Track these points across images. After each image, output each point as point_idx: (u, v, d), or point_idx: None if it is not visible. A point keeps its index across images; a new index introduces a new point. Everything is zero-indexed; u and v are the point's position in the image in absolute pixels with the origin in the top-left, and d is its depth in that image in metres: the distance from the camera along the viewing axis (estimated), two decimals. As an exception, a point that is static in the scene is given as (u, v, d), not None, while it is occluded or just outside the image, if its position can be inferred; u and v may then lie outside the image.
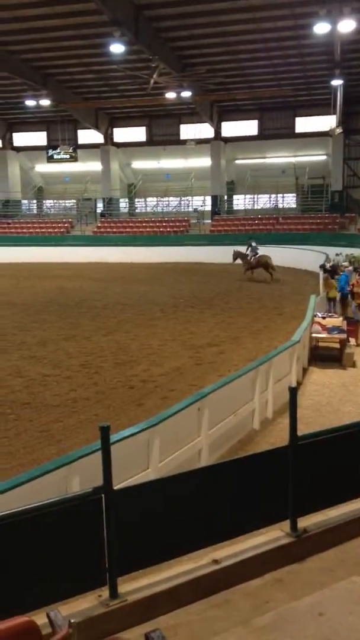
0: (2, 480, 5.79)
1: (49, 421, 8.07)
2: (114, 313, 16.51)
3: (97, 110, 35.47)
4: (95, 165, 38.06)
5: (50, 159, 38.21)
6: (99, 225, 37.23)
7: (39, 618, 2.50)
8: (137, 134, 37.77)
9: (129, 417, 7.93)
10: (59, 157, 37.77)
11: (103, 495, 3.04)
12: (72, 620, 2.21)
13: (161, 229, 35.77)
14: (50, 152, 37.87)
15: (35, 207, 42.68)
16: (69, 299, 19.39)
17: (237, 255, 25.16)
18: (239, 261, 25.08)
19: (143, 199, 41.07)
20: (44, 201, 42.58)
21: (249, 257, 24.68)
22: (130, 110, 35.95)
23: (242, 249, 25.40)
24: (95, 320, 15.43)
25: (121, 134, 37.86)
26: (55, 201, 42.31)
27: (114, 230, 36.35)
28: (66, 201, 41.73)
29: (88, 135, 37.43)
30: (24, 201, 41.73)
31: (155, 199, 40.33)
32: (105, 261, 31.58)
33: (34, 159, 40.05)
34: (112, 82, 30.03)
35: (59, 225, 37.86)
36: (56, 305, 17.89)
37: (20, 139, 39.41)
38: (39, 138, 39.00)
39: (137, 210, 40.61)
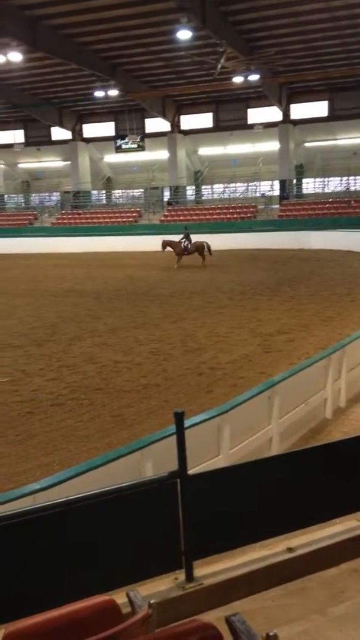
0: (78, 462, 6.00)
1: (121, 406, 8.25)
2: (181, 301, 16.61)
3: (164, 98, 35.52)
4: (163, 154, 38.20)
5: (118, 149, 38.66)
6: (166, 213, 37.42)
7: (119, 597, 2.58)
8: (203, 120, 37.55)
9: (198, 404, 7.98)
10: (127, 146, 38.14)
11: (178, 480, 3.08)
12: (151, 601, 2.26)
13: (228, 216, 35.52)
14: (119, 142, 38.29)
15: (104, 198, 43.37)
16: (138, 287, 19.66)
17: (166, 244, 25.09)
18: (168, 249, 25.01)
19: (210, 186, 40.89)
20: (112, 191, 43.20)
21: (184, 244, 24.91)
22: (197, 97, 35.77)
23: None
24: (163, 308, 15.58)
25: (188, 121, 37.76)
26: (123, 191, 42.84)
27: (181, 218, 36.41)
28: (134, 190, 42.17)
29: (155, 124, 37.58)
30: (94, 192, 42.48)
31: (222, 185, 40.06)
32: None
33: (102, 150, 40.65)
34: (179, 69, 29.96)
35: (127, 214, 38.34)
36: (125, 294, 18.20)
37: (90, 130, 40.07)
38: (107, 128, 39.51)
39: (203, 198, 40.49)
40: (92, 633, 2.15)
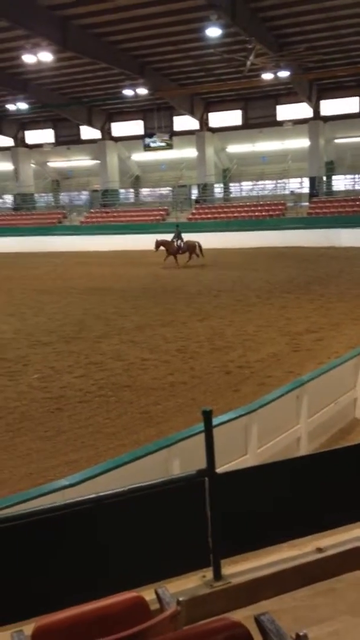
0: (106, 459, 6.05)
1: (148, 404, 8.28)
2: (208, 299, 16.59)
3: (193, 96, 35.48)
4: (191, 152, 38.17)
5: (146, 148, 38.74)
6: (194, 211, 37.39)
7: (147, 594, 2.59)
8: (232, 117, 37.38)
9: (226, 402, 7.97)
10: (155, 145, 38.19)
11: (206, 478, 3.08)
12: (180, 599, 2.26)
13: (256, 213, 35.33)
14: (147, 140, 38.37)
15: (132, 196, 43.55)
16: (165, 285, 19.70)
17: (160, 243, 24.65)
18: (161, 249, 24.58)
19: (238, 184, 40.71)
20: (140, 190, 43.33)
21: (176, 243, 24.60)
22: (226, 94, 35.64)
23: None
24: (190, 306, 15.58)
25: (216, 119, 37.65)
26: (151, 189, 42.95)
27: (209, 216, 36.36)
28: (162, 189, 42.23)
29: (183, 122, 37.57)
30: (122, 190, 42.68)
31: (250, 182, 39.85)
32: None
33: (131, 148, 40.80)
34: (208, 66, 29.88)
35: (155, 212, 38.42)
36: (152, 292, 18.25)
37: (118, 128, 40.25)
38: (135, 127, 39.62)
39: (231, 195, 40.34)
40: (120, 629, 2.16)
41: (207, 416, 3.18)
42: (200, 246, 24.55)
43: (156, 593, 2.53)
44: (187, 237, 25.45)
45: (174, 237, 24.95)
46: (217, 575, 3.06)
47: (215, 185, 39.88)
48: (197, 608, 2.75)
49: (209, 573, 3.09)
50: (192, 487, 3.07)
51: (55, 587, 2.78)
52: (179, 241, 24.80)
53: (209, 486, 3.07)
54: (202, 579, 3.04)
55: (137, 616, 2.22)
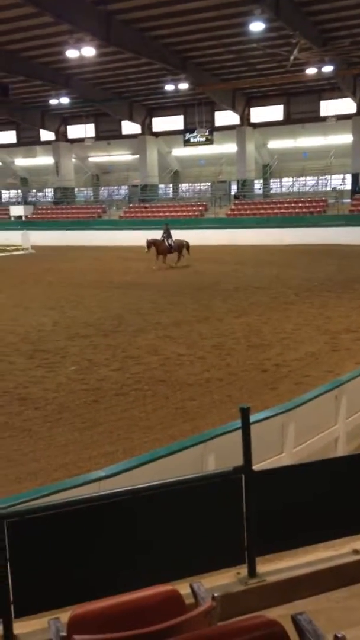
0: (141, 452, 6.09)
1: (184, 399, 8.29)
2: (246, 296, 16.49)
3: (235, 91, 35.27)
4: (231, 147, 37.97)
5: (186, 143, 38.74)
6: (233, 207, 37.21)
7: (181, 588, 2.60)
8: (274, 113, 37.02)
9: (262, 401, 7.91)
10: (196, 140, 38.16)
11: (243, 475, 3.07)
12: (215, 594, 2.26)
13: (296, 210, 34.94)
14: (187, 135, 38.37)
15: (171, 191, 43.62)
16: (202, 281, 19.68)
17: (151, 243, 23.40)
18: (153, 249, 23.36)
19: (278, 180, 40.33)
20: (179, 185, 43.36)
21: (167, 242, 23.54)
22: (268, 89, 35.30)
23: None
24: (227, 302, 15.53)
25: (258, 114, 37.34)
26: (190, 184, 42.93)
27: (248, 212, 36.14)
28: (201, 184, 42.15)
29: (224, 117, 37.39)
30: (161, 185, 42.80)
31: (290, 179, 39.42)
32: (237, 243, 31.55)
33: (171, 144, 40.85)
34: (250, 61, 29.64)
35: (194, 208, 38.40)
36: (189, 288, 18.25)
37: (159, 123, 40.33)
38: (176, 122, 39.64)
39: (271, 191, 39.98)
40: (155, 621, 2.17)
41: (245, 413, 3.16)
42: (188, 245, 23.82)
43: (191, 587, 2.54)
44: (192, 236, 25.02)
45: (164, 234, 23.93)
46: (252, 573, 3.05)
47: (255, 181, 39.59)
48: (231, 604, 2.74)
49: (243, 570, 3.08)
50: (228, 484, 3.07)
51: (92, 577, 2.81)
52: (170, 240, 23.81)
53: (245, 483, 3.06)
54: (237, 576, 3.04)
55: (171, 610, 2.23)
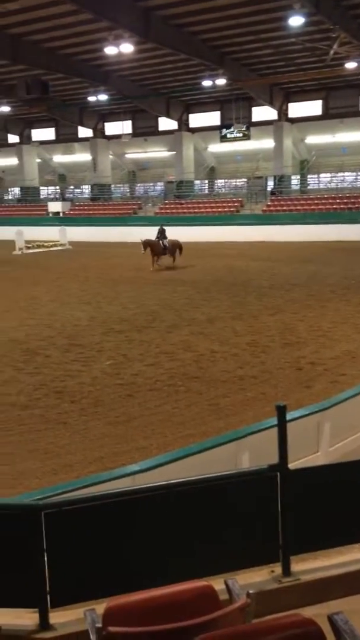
0: (174, 448, 6.11)
1: (217, 395, 8.28)
2: (281, 293, 16.35)
3: (272, 86, 34.93)
4: (268, 143, 37.64)
5: (223, 139, 38.57)
6: (269, 203, 36.90)
7: (215, 584, 2.60)
8: (312, 107, 36.52)
9: (297, 399, 7.84)
10: (232, 136, 37.95)
11: (278, 473, 3.05)
12: (250, 591, 2.26)
13: (335, 206, 34.40)
14: (224, 131, 38.19)
15: (206, 187, 43.51)
16: (237, 278, 19.59)
17: (147, 244, 22.32)
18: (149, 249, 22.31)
19: (316, 175, 39.80)
20: (215, 181, 43.21)
21: (162, 243, 22.62)
22: (306, 84, 34.84)
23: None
24: (262, 299, 15.42)
25: (296, 109, 36.91)
26: (226, 180, 42.74)
27: (284, 208, 35.78)
28: (237, 180, 41.93)
29: (262, 112, 37.07)
30: (197, 181, 42.72)
31: (329, 174, 38.86)
32: (273, 240, 31.30)
33: (207, 139, 40.72)
34: (288, 56, 29.29)
35: (229, 204, 38.22)
36: (224, 284, 18.19)
37: (195, 119, 40.25)
38: (213, 118, 39.49)
39: (309, 187, 39.50)
40: (189, 616, 2.19)
41: (281, 411, 3.15)
42: (181, 246, 23.02)
43: (226, 584, 2.54)
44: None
45: (158, 237, 23.02)
46: (286, 571, 3.03)
47: (292, 177, 39.17)
48: (264, 602, 2.73)
49: (277, 568, 3.07)
50: (263, 482, 3.06)
51: (127, 570, 2.85)
52: (165, 241, 22.93)
53: (280, 481, 3.04)
54: (271, 574, 3.03)
55: (206, 605, 2.23)
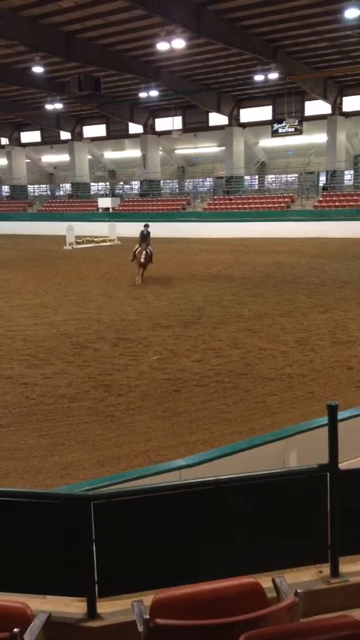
0: (221, 444, 6.11)
1: (265, 393, 8.23)
2: (332, 290, 16.07)
3: (326, 80, 34.28)
4: (320, 137, 36.99)
5: (274, 134, 38.12)
6: (321, 199, 36.27)
7: (262, 582, 2.59)
8: (368, 101, 35.69)
9: (347, 399, 7.71)
10: (284, 130, 37.47)
11: (328, 473, 3.01)
12: (299, 591, 2.24)
13: (388, 203, 33.56)
14: (276, 126, 37.74)
15: (256, 183, 43.11)
16: (286, 274, 19.36)
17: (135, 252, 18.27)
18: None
19: (370, 171, 38.93)
20: (265, 176, 42.78)
21: (148, 250, 18.06)
22: (362, 77, 34.07)
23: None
24: (312, 297, 15.19)
25: (350, 103, 36.08)
26: (276, 176, 42.26)
27: (336, 204, 35.09)
28: (288, 175, 41.39)
29: (315, 107, 36.43)
30: (247, 177, 42.40)
31: (383, 170, 37.94)
32: (325, 236, 30.77)
33: (258, 134, 40.35)
34: (344, 49, 28.67)
35: (280, 200, 37.79)
36: (273, 281, 18.01)
37: (246, 114, 39.92)
38: (264, 113, 39.05)
39: (362, 183, 38.65)
40: (236, 612, 2.18)
41: (332, 410, 3.10)
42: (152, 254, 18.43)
43: (273, 582, 2.53)
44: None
45: (142, 242, 18.30)
46: (335, 572, 2.99)
47: (346, 172, 38.35)
48: (311, 602, 2.71)
49: (325, 569, 3.03)
50: (312, 481, 3.03)
51: (174, 563, 2.86)
52: (149, 248, 18.28)
53: (330, 481, 3.00)
54: (319, 574, 2.99)
55: (253, 602, 2.23)
